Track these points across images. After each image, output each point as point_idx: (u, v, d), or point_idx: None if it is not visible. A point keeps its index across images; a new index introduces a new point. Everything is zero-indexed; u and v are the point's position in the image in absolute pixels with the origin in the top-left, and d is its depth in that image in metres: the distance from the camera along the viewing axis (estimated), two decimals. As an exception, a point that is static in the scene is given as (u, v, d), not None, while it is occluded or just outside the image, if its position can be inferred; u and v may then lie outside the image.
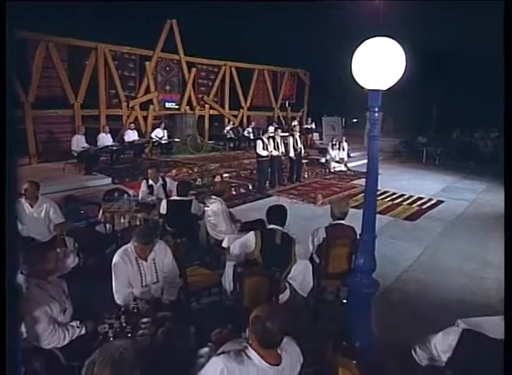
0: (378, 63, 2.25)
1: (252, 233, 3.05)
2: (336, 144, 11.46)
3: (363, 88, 2.38)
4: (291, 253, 2.93)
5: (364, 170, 10.35)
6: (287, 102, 16.58)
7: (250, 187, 8.36)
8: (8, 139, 0.92)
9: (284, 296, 2.88)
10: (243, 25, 14.96)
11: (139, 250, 2.64)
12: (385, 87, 2.36)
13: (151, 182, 5.29)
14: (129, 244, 2.69)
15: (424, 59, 10.34)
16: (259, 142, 8.08)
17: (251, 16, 14.93)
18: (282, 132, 8.62)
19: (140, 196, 5.16)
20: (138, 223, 4.40)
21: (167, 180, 5.42)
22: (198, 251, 4.21)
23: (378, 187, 2.71)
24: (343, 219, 3.42)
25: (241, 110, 14.86)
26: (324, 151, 12.69)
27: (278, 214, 3.01)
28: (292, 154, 8.72)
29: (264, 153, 8.05)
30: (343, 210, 3.40)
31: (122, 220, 4.38)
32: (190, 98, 13.12)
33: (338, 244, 3.23)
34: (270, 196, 7.79)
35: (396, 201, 7.62)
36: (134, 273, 2.65)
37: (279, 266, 2.88)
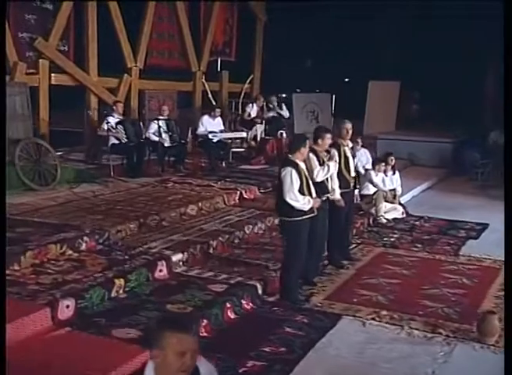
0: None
1: None
2: (381, 162, 10.14)
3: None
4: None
5: (438, 215, 10.08)
6: (219, 61, 14.63)
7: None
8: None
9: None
10: None
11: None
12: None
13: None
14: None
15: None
16: (291, 172, 6.01)
17: None
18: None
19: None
20: None
21: None
22: None
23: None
24: None
25: (126, 77, 12.38)
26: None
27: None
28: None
29: (304, 204, 6.08)
30: None
31: None
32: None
33: None
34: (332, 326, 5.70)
35: None
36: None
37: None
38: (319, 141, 6.59)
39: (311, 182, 6.18)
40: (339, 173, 7.12)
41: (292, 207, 5.97)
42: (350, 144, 7.54)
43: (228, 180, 10.58)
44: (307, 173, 6.14)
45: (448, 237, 9.00)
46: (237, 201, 9.52)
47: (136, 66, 12.72)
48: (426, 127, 18.37)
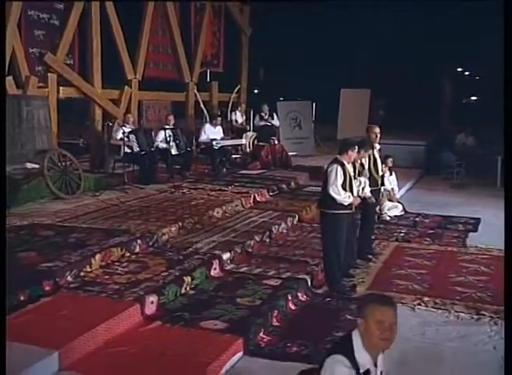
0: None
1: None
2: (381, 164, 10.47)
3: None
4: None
5: (430, 211, 10.72)
6: (208, 72, 14.86)
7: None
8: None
9: None
10: None
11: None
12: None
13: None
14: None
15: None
16: (336, 168, 6.36)
17: None
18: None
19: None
20: None
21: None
22: None
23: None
24: None
25: (127, 88, 12.43)
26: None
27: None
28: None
29: (345, 198, 6.39)
30: None
31: None
32: (13, 54, 10.46)
33: None
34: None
35: None
36: None
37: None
38: (362, 151, 6.85)
39: (353, 182, 6.51)
40: (369, 173, 7.47)
41: (333, 200, 6.27)
42: (378, 147, 7.87)
43: (236, 184, 10.81)
44: (351, 174, 6.46)
45: (450, 231, 9.37)
46: (252, 203, 9.77)
47: (135, 78, 12.81)
48: (393, 132, 18.98)
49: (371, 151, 7.59)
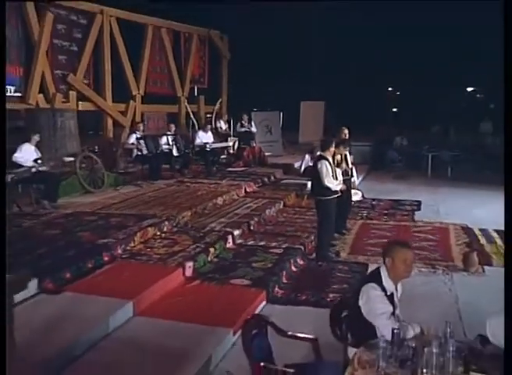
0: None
1: None
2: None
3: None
4: None
5: (383, 197, 11.42)
6: (196, 88, 15.20)
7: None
8: None
9: None
10: None
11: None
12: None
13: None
14: None
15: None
16: (325, 163, 6.80)
17: None
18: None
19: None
20: None
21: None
22: None
23: None
24: None
25: (131, 102, 12.70)
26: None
27: None
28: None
29: (337, 186, 6.88)
30: None
31: None
32: (43, 75, 10.69)
33: None
34: (366, 270, 6.47)
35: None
36: None
37: None
38: (341, 147, 7.34)
39: (337, 172, 7.02)
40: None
41: (328, 188, 6.70)
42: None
43: (228, 179, 11.19)
44: (333, 166, 6.98)
45: (401, 211, 9.92)
46: (244, 193, 10.18)
47: (139, 94, 13.07)
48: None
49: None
